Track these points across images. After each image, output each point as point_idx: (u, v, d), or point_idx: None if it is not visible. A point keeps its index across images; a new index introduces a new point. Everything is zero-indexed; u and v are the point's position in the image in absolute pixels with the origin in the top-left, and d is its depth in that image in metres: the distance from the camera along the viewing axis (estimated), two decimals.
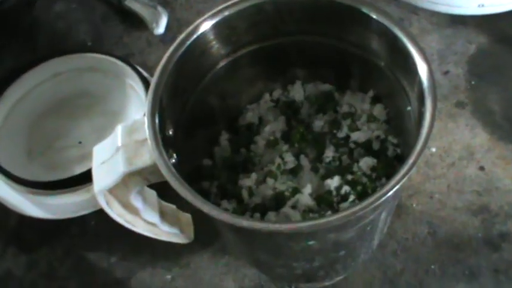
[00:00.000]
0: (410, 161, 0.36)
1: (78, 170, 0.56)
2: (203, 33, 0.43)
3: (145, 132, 0.39)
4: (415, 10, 0.66)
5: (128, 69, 0.60)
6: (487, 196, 0.56)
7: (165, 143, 0.39)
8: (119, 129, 0.41)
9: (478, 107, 0.60)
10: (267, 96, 0.51)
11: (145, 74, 0.61)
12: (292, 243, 0.40)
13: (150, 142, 0.38)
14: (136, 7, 0.70)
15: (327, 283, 0.51)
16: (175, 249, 0.51)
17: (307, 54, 0.48)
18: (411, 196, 0.56)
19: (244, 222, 0.36)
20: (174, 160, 0.40)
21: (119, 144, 0.40)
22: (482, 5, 0.60)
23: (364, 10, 0.42)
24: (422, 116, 0.38)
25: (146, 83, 0.58)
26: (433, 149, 0.59)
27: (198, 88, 0.45)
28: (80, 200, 0.55)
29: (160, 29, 0.70)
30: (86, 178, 0.51)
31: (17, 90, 0.61)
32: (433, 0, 0.62)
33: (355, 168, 0.46)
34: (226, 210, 0.45)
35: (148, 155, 0.39)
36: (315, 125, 0.49)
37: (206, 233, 0.50)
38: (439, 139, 0.59)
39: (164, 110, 0.40)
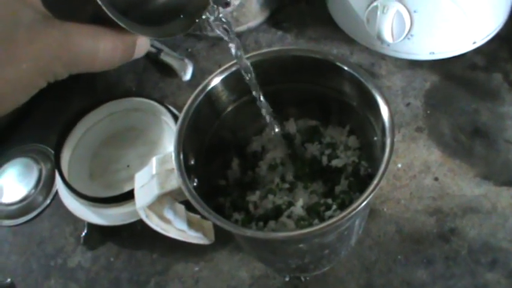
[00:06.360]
0: (375, 182, 0.35)
1: (127, 188, 0.57)
2: (216, 85, 0.43)
3: (173, 163, 0.39)
4: (383, 56, 0.66)
5: (162, 109, 0.60)
6: (440, 201, 0.55)
7: (188, 170, 0.39)
8: (154, 161, 0.41)
9: (432, 131, 0.60)
10: (268, 129, 0.51)
11: (175, 111, 0.61)
12: (285, 246, 0.40)
13: (176, 171, 0.38)
14: (169, 59, 0.70)
15: (317, 272, 0.51)
16: (201, 248, 0.51)
17: (297, 97, 0.48)
18: (383, 202, 0.56)
19: (248, 232, 0.36)
20: (195, 183, 0.40)
21: (154, 172, 0.40)
22: (433, 53, 0.60)
23: (338, 64, 0.42)
24: (385, 144, 0.37)
25: (176, 119, 0.57)
26: (399, 165, 0.58)
27: (213, 127, 0.45)
28: (128, 211, 0.55)
29: (187, 76, 0.70)
30: (132, 194, 0.51)
31: (82, 126, 0.62)
32: (396, 50, 0.62)
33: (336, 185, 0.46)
34: (236, 220, 0.45)
35: (175, 180, 0.39)
36: (306, 152, 0.49)
37: (224, 235, 0.49)
38: (403, 157, 0.58)
39: (187, 146, 0.40)
